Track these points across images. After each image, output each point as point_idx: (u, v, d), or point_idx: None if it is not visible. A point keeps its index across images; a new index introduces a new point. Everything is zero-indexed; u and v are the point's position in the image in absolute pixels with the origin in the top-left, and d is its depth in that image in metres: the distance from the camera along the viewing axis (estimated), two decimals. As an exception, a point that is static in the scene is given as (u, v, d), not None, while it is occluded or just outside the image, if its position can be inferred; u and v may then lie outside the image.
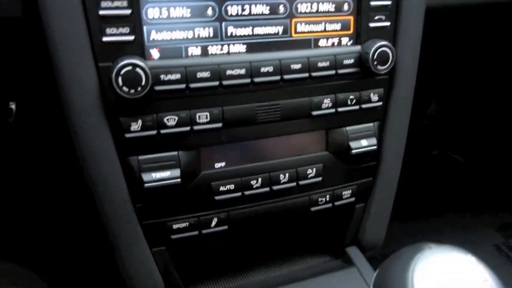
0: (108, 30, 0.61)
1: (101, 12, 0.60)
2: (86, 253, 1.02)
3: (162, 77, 0.64)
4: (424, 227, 1.83)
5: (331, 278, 0.83)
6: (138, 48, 0.63)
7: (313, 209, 0.81)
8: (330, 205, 0.82)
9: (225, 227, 0.76)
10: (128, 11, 0.61)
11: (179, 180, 0.68)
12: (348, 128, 0.79)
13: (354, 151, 0.78)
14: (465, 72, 1.71)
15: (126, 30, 0.62)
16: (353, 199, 0.84)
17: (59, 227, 1.03)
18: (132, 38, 0.62)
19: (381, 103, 0.79)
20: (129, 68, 0.60)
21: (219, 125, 0.69)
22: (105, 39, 0.61)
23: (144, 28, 0.64)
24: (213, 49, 0.69)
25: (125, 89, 0.61)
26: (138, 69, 0.61)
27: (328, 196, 0.82)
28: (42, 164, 0.91)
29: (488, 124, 1.87)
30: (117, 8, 0.61)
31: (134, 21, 0.62)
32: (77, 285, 1.06)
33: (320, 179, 0.79)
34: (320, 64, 0.73)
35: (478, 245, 1.75)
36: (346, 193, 0.83)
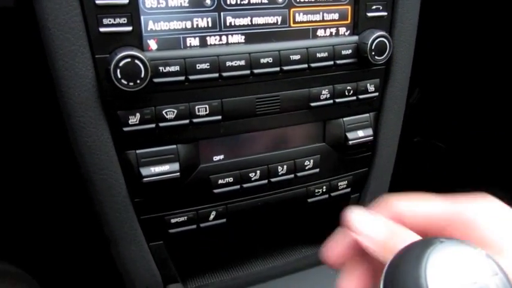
0: (105, 21, 0.59)
1: (98, 1, 0.58)
2: (77, 250, 1.00)
3: (161, 69, 0.63)
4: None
5: (327, 268, 0.83)
6: (136, 38, 0.61)
7: (310, 200, 0.81)
8: (326, 196, 0.82)
9: (224, 220, 0.76)
10: (126, 1, 0.59)
11: (178, 174, 0.67)
12: (345, 119, 0.79)
13: (350, 142, 0.78)
14: (449, 59, 1.73)
15: (123, 20, 0.60)
16: (349, 190, 0.85)
17: (52, 224, 1.00)
18: (130, 28, 0.60)
19: (377, 94, 0.79)
20: (128, 60, 0.58)
21: (219, 117, 0.68)
22: (102, 29, 0.59)
23: (142, 18, 0.61)
24: (211, 39, 0.67)
25: (124, 81, 0.59)
26: (137, 61, 0.59)
27: (324, 187, 0.82)
28: (36, 159, 0.88)
29: (471, 112, 1.90)
30: (114, -3, 0.59)
31: (132, 11, 0.60)
32: (68, 283, 1.04)
33: (317, 170, 0.79)
34: (319, 55, 0.72)
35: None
36: (342, 184, 0.83)
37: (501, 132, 1.80)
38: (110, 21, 0.59)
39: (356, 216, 0.45)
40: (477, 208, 0.45)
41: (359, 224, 0.45)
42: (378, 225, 0.45)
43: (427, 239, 0.47)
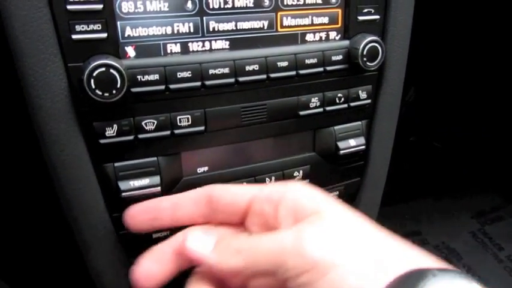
0: (78, 27, 0.55)
1: (69, 7, 0.54)
2: (53, 259, 0.96)
3: (139, 77, 0.59)
4: (403, 212, 1.84)
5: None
6: (112, 45, 0.58)
7: (299, 212, 0.78)
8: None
9: (209, 234, 0.72)
10: (100, 6, 0.55)
11: (159, 188, 0.64)
12: (335, 128, 0.75)
13: (342, 151, 0.75)
14: (445, 58, 1.70)
15: (98, 26, 0.56)
16: (340, 200, 0.81)
17: (27, 233, 0.96)
18: (105, 35, 0.56)
19: (369, 101, 0.76)
20: (103, 69, 0.55)
21: (202, 128, 0.65)
22: (74, 37, 0.55)
23: (118, 24, 0.58)
24: (193, 46, 0.63)
25: (98, 92, 0.55)
26: (113, 70, 0.55)
27: (315, 198, 0.78)
28: (8, 168, 0.84)
29: (467, 111, 1.88)
30: (87, 2, 0.55)
31: (106, 17, 0.56)
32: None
33: (307, 181, 0.76)
34: (308, 61, 0.68)
35: (455, 234, 1.77)
36: (333, 194, 0.80)
37: (497, 131, 1.77)
38: (83, 27, 0.55)
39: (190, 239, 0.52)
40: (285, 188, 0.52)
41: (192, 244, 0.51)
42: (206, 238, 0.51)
43: (419, 272, 0.43)
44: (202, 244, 0.50)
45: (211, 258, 0.49)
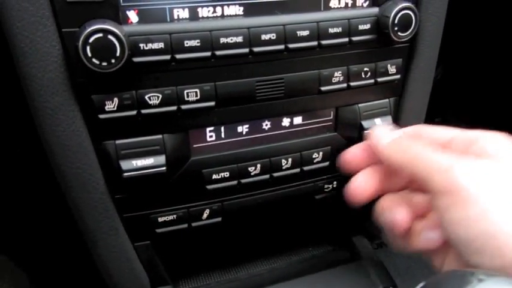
0: (73, -13, 0.49)
1: (63, -37, 0.48)
2: (67, 245, 0.93)
3: (142, 46, 0.53)
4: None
5: (333, 274, 0.74)
6: (111, 9, 0.51)
7: (317, 196, 0.72)
8: (336, 192, 0.73)
9: (219, 219, 0.67)
10: (97, -38, 0.49)
11: (164, 168, 0.58)
12: (360, 106, 0.68)
13: (366, 131, 0.68)
14: (481, 38, 1.59)
15: (95, -14, 0.50)
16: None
17: (34, 218, 0.93)
18: (102, -4, 0.50)
19: (398, 76, 0.68)
20: (99, 35, 0.49)
21: (212, 103, 0.58)
22: (69, -2, 0.49)
23: (119, -16, 0.51)
24: (203, 11, 0.57)
25: (95, 61, 0.49)
26: (111, 37, 0.49)
27: (335, 182, 0.72)
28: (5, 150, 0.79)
29: (497, 92, 1.77)
30: (83, -43, 0.48)
31: (105, -25, 0.50)
32: (61, 277, 0.97)
33: (327, 163, 0.69)
34: (331, 30, 0.61)
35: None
36: (355, 177, 0.73)
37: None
38: None
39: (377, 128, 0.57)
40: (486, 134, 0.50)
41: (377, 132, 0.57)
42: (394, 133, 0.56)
43: (461, 275, 0.37)
44: (383, 135, 0.56)
45: (384, 149, 0.54)
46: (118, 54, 0.50)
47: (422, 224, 0.51)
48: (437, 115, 2.04)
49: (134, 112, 0.56)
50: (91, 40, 0.48)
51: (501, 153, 0.47)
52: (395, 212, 0.53)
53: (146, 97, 0.55)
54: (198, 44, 0.55)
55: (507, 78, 1.71)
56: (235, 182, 0.64)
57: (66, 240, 0.88)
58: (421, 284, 0.37)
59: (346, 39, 0.62)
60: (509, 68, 1.66)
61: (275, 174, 0.66)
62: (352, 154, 0.60)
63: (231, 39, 0.56)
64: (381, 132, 0.56)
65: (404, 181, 0.57)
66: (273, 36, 0.58)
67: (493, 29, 1.56)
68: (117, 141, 0.57)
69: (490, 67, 1.72)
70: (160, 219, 0.64)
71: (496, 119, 1.81)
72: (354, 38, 0.62)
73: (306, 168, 0.68)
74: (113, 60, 0.50)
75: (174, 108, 0.57)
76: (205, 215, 0.66)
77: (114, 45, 0.49)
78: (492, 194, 0.43)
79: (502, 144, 0.48)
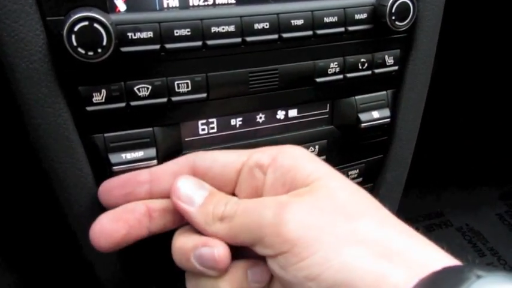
0: (57, -28, 0.47)
1: None
2: (59, 243, 0.91)
3: (130, 35, 0.51)
4: (426, 194, 1.75)
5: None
6: (98, -4, 0.50)
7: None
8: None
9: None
10: None
11: (155, 161, 0.56)
12: (357, 98, 0.67)
13: (363, 124, 0.66)
14: (476, 34, 1.58)
15: (80, -27, 0.48)
16: (360, 179, 0.73)
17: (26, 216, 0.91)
18: (88, -18, 0.48)
19: (396, 67, 0.67)
20: (85, 23, 0.47)
21: (203, 95, 0.57)
22: (53, -16, 0.47)
23: (105, -29, 0.50)
24: (194, 0, 0.55)
25: (81, 50, 0.47)
26: (97, 25, 0.47)
27: (332, 176, 0.70)
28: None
29: (491, 88, 1.76)
30: None
31: (91, -39, 0.48)
32: (52, 277, 0.96)
33: (323, 157, 0.67)
34: (326, 19, 0.59)
35: (481, 216, 1.68)
36: (353, 173, 0.72)
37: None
38: None
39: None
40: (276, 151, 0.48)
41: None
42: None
43: (459, 270, 0.35)
44: (192, 196, 0.48)
45: (196, 217, 0.47)
46: (105, 43, 0.48)
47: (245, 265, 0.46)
48: (432, 111, 2.03)
49: (123, 104, 0.54)
50: (76, 28, 0.47)
51: (317, 176, 0.44)
52: (214, 248, 0.45)
53: (135, 88, 0.54)
54: (189, 33, 0.53)
55: (502, 74, 1.69)
56: (228, 177, 0.63)
57: (58, 238, 0.86)
58: (416, 281, 0.35)
59: (342, 29, 0.60)
60: (505, 63, 1.64)
61: (270, 169, 0.64)
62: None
63: (223, 29, 0.54)
64: (187, 191, 0.48)
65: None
66: (266, 25, 0.56)
67: (489, 25, 1.55)
68: (106, 134, 0.55)
69: (484, 63, 1.71)
70: None
71: (491, 113, 1.80)
72: (350, 28, 0.61)
73: (301, 162, 0.66)
74: (99, 50, 0.48)
75: (164, 100, 0.55)
76: (198, 211, 0.64)
77: (101, 34, 0.47)
78: (331, 237, 0.39)
79: (309, 164, 0.46)
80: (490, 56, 1.67)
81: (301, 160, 0.46)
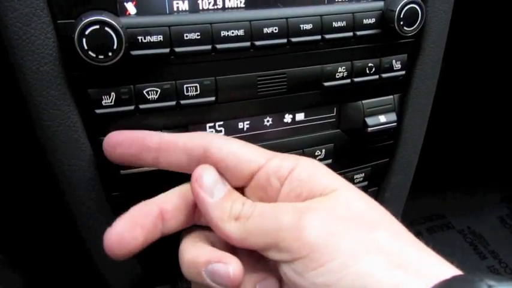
0: (68, -24, 0.47)
1: (57, -49, 0.46)
2: (65, 245, 0.91)
3: (140, 38, 0.51)
4: (428, 196, 1.75)
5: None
6: (109, 0, 0.50)
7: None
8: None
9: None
10: (94, -49, 0.47)
11: None
12: (364, 102, 0.67)
13: (370, 129, 0.66)
14: (482, 35, 1.58)
15: (91, -24, 0.48)
16: (366, 183, 0.73)
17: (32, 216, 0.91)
18: (100, -14, 0.48)
19: (403, 72, 0.67)
20: (96, 26, 0.47)
21: (212, 98, 0.57)
22: (64, -13, 0.47)
23: (116, -26, 0.50)
24: (204, 3, 0.55)
25: (92, 54, 0.48)
26: (108, 29, 0.47)
27: (338, 180, 0.70)
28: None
29: (496, 91, 1.76)
30: None
31: (102, -35, 0.48)
32: (57, 277, 0.96)
33: (330, 161, 0.68)
34: (335, 24, 0.59)
35: (482, 219, 1.68)
36: (359, 176, 0.72)
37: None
38: None
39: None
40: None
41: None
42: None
43: (469, 279, 0.35)
44: (213, 188, 0.46)
45: (213, 211, 0.45)
46: (115, 47, 0.48)
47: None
48: (435, 114, 2.03)
49: (132, 107, 0.54)
50: (87, 32, 0.47)
51: (334, 187, 0.44)
52: (229, 265, 0.43)
53: (144, 92, 0.54)
54: (198, 37, 0.53)
55: (505, 77, 1.69)
56: (235, 180, 0.63)
57: (64, 240, 0.87)
58: None
59: (350, 34, 0.60)
60: (509, 67, 1.64)
61: (276, 172, 0.65)
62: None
63: (232, 32, 0.55)
64: (209, 183, 0.46)
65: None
66: (275, 29, 0.56)
67: (496, 26, 1.55)
68: None
69: (491, 65, 1.70)
70: None
71: (493, 116, 1.80)
72: (359, 33, 0.61)
73: (308, 166, 0.66)
74: (110, 53, 0.48)
75: (173, 103, 0.55)
76: (204, 214, 0.64)
77: (111, 37, 0.48)
78: (350, 245, 0.39)
79: (326, 177, 0.46)
80: (493, 59, 1.67)
81: (318, 173, 0.46)
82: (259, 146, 0.63)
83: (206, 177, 0.46)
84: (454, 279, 0.35)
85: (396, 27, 0.61)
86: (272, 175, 0.47)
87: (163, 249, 0.68)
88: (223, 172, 0.48)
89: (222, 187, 0.47)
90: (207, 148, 0.48)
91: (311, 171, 0.46)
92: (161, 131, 0.57)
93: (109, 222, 0.60)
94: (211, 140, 0.48)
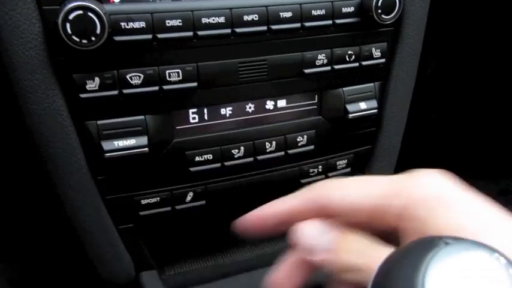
0: (53, -37, 0.49)
1: None
2: (46, 234, 0.93)
3: (123, 25, 0.53)
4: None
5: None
6: (93, -13, 0.51)
7: (303, 181, 0.72)
8: (322, 176, 0.73)
9: (203, 202, 0.67)
10: None
11: (146, 149, 0.58)
12: (345, 89, 0.68)
13: (351, 115, 0.68)
14: (471, 30, 1.59)
15: (75, -37, 0.50)
16: (348, 169, 0.75)
17: (16, 208, 0.92)
18: (83, -27, 0.50)
19: (383, 60, 0.69)
20: (80, 12, 0.49)
21: (194, 84, 0.58)
22: (48, -26, 0.49)
23: (100, -38, 0.51)
24: (186, -9, 0.57)
25: (75, 38, 0.49)
26: (91, 14, 0.49)
27: (320, 166, 0.72)
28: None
29: (490, 87, 1.77)
30: None
31: (86, -48, 0.50)
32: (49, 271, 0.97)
33: (312, 147, 0.69)
34: (314, 12, 0.61)
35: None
36: (341, 163, 0.74)
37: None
38: None
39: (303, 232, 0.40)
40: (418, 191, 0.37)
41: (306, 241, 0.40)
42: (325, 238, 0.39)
43: (429, 239, 0.37)
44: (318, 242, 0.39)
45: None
46: (98, 31, 0.50)
47: None
48: (432, 111, 2.04)
49: (116, 92, 0.55)
50: (71, 17, 0.48)
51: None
52: None
53: (128, 77, 0.55)
54: (180, 24, 0.55)
55: (500, 72, 1.71)
56: (218, 165, 0.64)
57: (54, 228, 0.88)
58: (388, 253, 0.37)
59: (329, 22, 0.62)
60: (503, 62, 1.66)
61: (259, 157, 0.66)
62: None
63: (213, 20, 0.56)
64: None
65: None
66: (255, 17, 0.58)
67: (486, 24, 1.56)
68: (99, 122, 0.57)
69: (483, 62, 1.72)
70: (143, 202, 0.64)
71: (490, 112, 1.81)
72: (338, 21, 0.62)
73: (290, 151, 0.68)
74: (93, 38, 0.50)
75: (155, 88, 0.57)
76: (188, 198, 0.66)
77: (95, 22, 0.49)
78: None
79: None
80: (486, 49, 1.68)
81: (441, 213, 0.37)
82: (241, 131, 0.65)
83: None
84: (419, 239, 0.37)
85: (374, 16, 0.62)
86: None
87: (149, 234, 0.70)
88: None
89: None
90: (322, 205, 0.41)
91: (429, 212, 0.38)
92: (144, 116, 0.58)
93: (96, 205, 0.62)
94: (327, 196, 0.41)
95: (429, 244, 0.35)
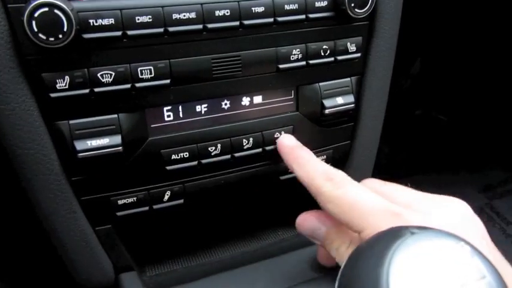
0: (16, -40, 0.48)
1: None
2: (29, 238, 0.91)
3: (92, 22, 0.52)
4: (407, 184, 1.76)
5: (303, 254, 0.74)
6: (60, -15, 0.51)
7: (282, 177, 0.71)
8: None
9: (181, 201, 0.66)
10: None
11: (120, 148, 0.57)
12: (321, 84, 0.68)
13: (328, 110, 0.68)
14: (452, 29, 1.60)
15: (40, -40, 0.49)
16: (329, 165, 0.74)
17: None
18: (48, -30, 0.49)
19: (359, 54, 0.68)
20: (45, 9, 0.48)
21: (167, 81, 0.58)
22: (12, -28, 0.48)
23: (66, -42, 0.51)
24: (155, -13, 0.56)
25: (42, 36, 0.49)
26: (57, 11, 0.48)
27: (299, 163, 0.72)
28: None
29: (474, 84, 1.78)
30: None
31: None
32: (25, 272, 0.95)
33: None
34: (287, 7, 0.61)
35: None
36: (321, 159, 0.73)
37: (505, 104, 1.69)
38: None
39: None
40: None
41: None
42: None
43: (395, 229, 0.37)
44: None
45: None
46: (65, 29, 0.49)
47: None
48: (417, 108, 2.05)
49: (87, 90, 0.55)
50: (36, 14, 0.48)
51: None
52: None
53: (99, 75, 0.55)
54: (150, 20, 0.54)
55: (485, 70, 1.72)
56: (195, 163, 0.64)
57: (28, 232, 0.86)
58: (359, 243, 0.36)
59: (302, 16, 0.62)
60: (487, 59, 1.67)
61: (236, 155, 0.66)
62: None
63: (184, 15, 0.56)
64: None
65: None
66: (227, 12, 0.58)
67: (471, 22, 1.57)
68: (71, 121, 0.56)
69: (468, 60, 1.73)
70: (120, 202, 0.63)
71: (476, 110, 1.82)
72: (311, 15, 0.62)
73: (268, 148, 0.67)
74: (60, 36, 0.49)
75: (127, 86, 0.56)
76: (166, 197, 0.65)
77: (61, 19, 0.49)
78: None
79: None
80: (471, 45, 1.69)
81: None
82: (218, 128, 0.64)
83: None
84: (388, 229, 0.37)
85: (347, 10, 0.62)
86: None
87: (128, 235, 0.69)
88: None
89: None
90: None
91: None
92: (117, 115, 0.58)
93: (71, 207, 0.61)
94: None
95: (396, 234, 0.35)
